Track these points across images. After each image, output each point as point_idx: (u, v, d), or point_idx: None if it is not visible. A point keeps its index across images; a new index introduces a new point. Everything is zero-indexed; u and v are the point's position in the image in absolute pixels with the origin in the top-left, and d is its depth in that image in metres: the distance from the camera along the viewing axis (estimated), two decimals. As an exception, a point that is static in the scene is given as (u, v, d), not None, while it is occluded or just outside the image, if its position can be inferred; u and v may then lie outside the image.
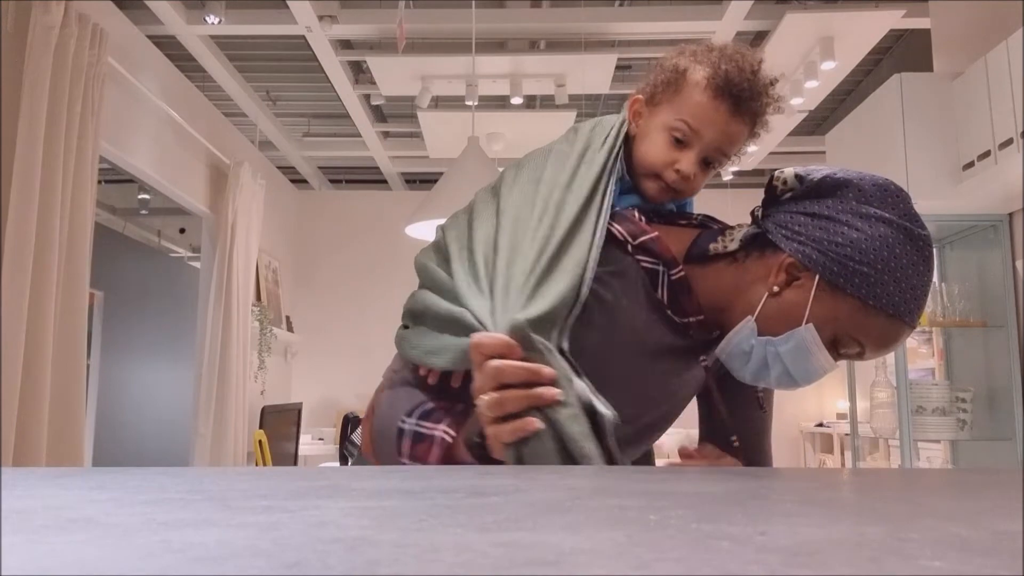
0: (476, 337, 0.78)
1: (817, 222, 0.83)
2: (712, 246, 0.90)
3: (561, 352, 0.79)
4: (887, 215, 0.81)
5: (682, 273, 0.89)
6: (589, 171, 0.92)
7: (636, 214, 0.93)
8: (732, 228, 0.92)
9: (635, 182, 0.97)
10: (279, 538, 0.32)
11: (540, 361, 0.77)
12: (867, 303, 0.81)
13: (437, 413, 0.85)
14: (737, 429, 0.98)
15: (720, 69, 0.92)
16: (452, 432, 0.82)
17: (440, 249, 0.97)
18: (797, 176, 0.86)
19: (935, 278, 3.19)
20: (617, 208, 0.94)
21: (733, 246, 0.89)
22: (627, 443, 0.90)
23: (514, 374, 0.75)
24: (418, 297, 0.94)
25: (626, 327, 0.87)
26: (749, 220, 0.92)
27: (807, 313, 0.83)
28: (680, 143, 0.94)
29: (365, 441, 0.95)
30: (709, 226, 0.97)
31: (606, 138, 0.97)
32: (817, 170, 0.86)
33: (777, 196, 0.88)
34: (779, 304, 0.85)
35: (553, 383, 0.76)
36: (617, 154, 0.96)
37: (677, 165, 0.94)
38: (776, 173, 0.88)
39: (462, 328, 0.82)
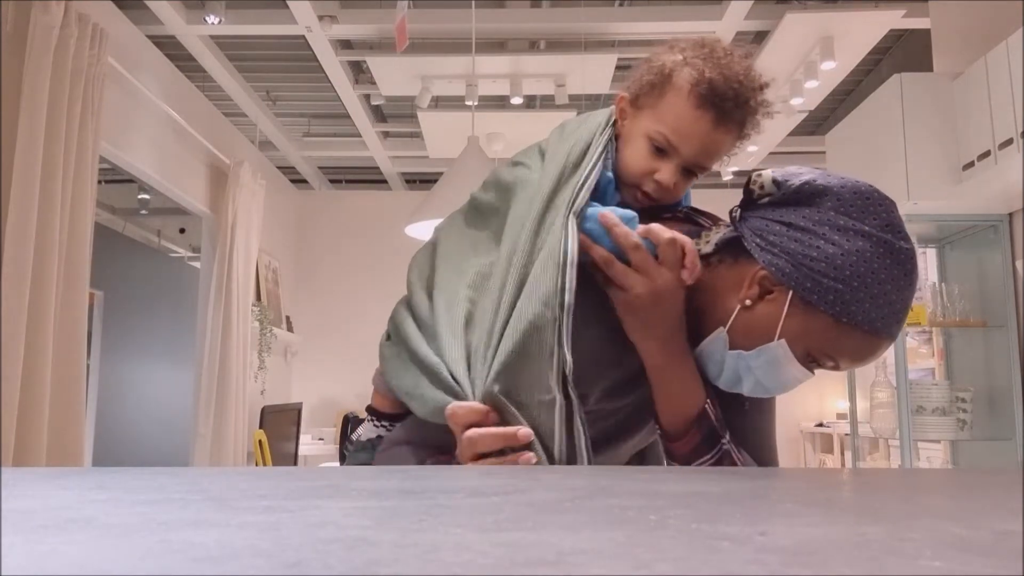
0: (450, 409, 0.81)
1: (792, 233, 0.81)
2: None
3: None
4: (866, 228, 0.78)
5: None
6: (562, 193, 0.88)
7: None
8: (708, 229, 0.90)
9: (618, 185, 0.95)
10: (279, 538, 0.32)
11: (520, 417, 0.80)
12: (840, 320, 0.79)
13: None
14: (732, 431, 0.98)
15: (704, 76, 0.88)
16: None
17: (426, 265, 0.98)
18: (775, 181, 0.83)
19: (935, 278, 3.23)
20: (611, 205, 0.93)
21: (708, 249, 0.87)
22: (609, 438, 0.91)
23: (489, 443, 0.79)
24: (400, 318, 0.95)
25: (599, 325, 0.86)
26: (728, 219, 0.90)
27: (779, 328, 0.81)
28: (660, 152, 0.91)
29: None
30: (695, 220, 0.95)
31: (588, 147, 0.94)
32: (797, 175, 0.83)
33: (755, 199, 0.86)
34: (751, 317, 0.83)
35: (530, 444, 0.79)
36: (596, 164, 0.92)
37: (657, 175, 0.91)
38: (754, 176, 0.85)
39: (438, 381, 0.85)
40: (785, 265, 0.80)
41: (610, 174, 0.94)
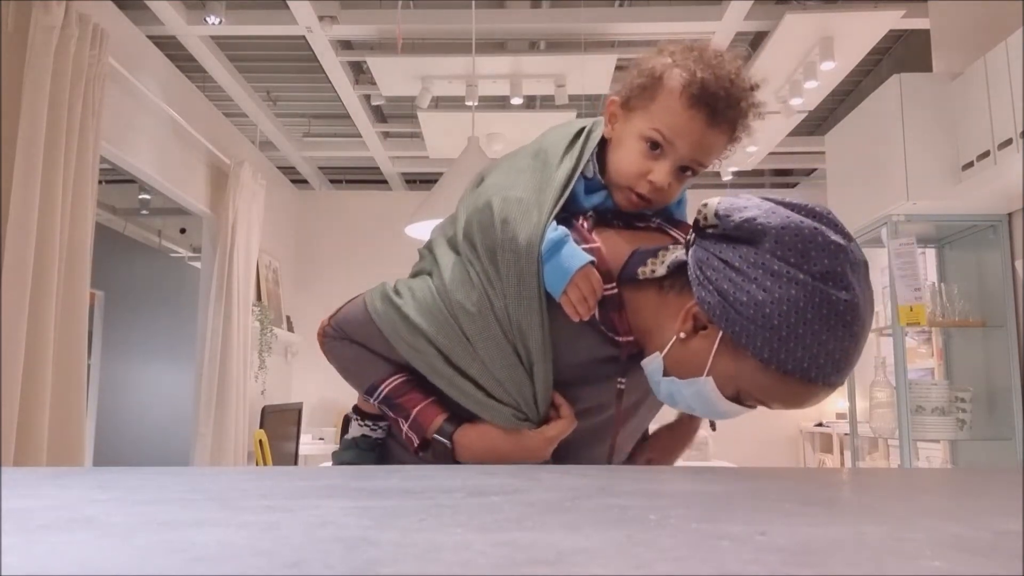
0: (553, 432, 0.91)
1: (728, 272, 0.79)
2: (641, 270, 0.88)
3: None
4: (801, 276, 0.75)
5: (615, 290, 0.88)
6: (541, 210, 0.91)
7: (583, 222, 0.92)
8: (667, 249, 0.89)
9: (608, 189, 0.96)
10: (279, 538, 0.32)
11: None
12: (770, 367, 0.77)
13: (398, 408, 0.95)
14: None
15: (696, 76, 0.88)
16: (414, 439, 0.95)
17: (432, 269, 0.98)
18: (717, 214, 0.81)
19: (934, 278, 3.23)
20: (584, 207, 0.95)
21: (661, 271, 0.87)
22: (569, 445, 0.93)
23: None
24: (445, 340, 0.91)
25: (560, 335, 0.89)
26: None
27: (708, 366, 0.81)
28: (654, 152, 0.91)
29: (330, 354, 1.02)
30: (667, 231, 0.95)
31: (566, 153, 0.96)
32: (739, 210, 0.80)
33: (702, 228, 0.84)
34: (685, 350, 0.84)
35: None
36: (573, 172, 0.94)
37: (651, 176, 0.91)
38: (701, 205, 0.84)
39: (505, 413, 0.91)
40: (717, 305, 0.79)
41: (588, 176, 0.96)
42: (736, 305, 0.77)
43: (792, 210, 0.79)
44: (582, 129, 1.00)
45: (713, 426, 1.02)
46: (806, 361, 0.76)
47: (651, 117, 0.91)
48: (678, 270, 0.86)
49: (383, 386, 0.95)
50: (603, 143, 0.97)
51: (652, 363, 0.87)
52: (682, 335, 0.83)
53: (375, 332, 0.95)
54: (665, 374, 0.86)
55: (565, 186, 0.93)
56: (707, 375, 0.82)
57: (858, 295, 0.76)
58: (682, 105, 0.89)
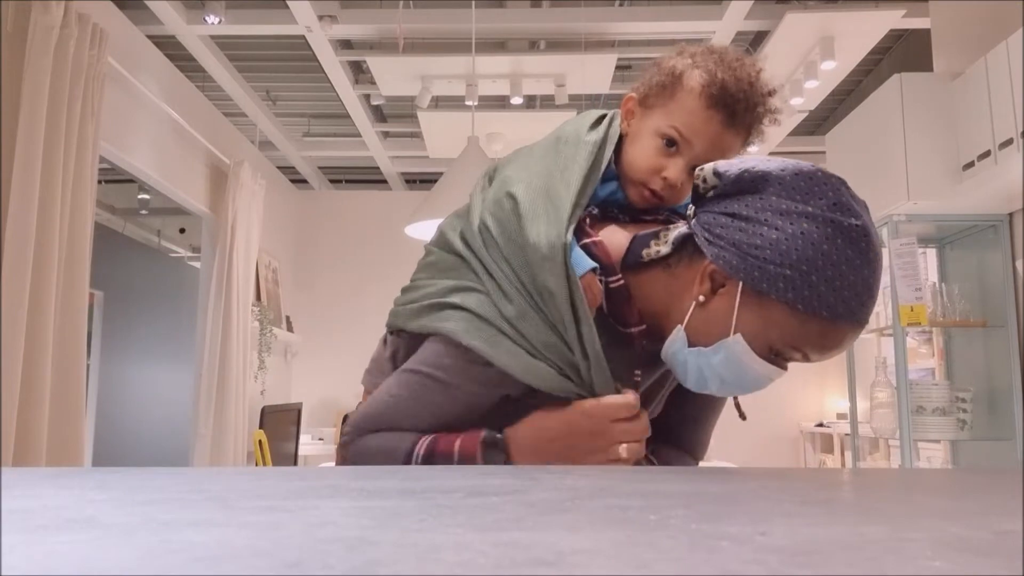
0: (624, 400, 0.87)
1: (737, 223, 0.79)
2: (645, 252, 0.87)
3: None
4: (810, 209, 0.76)
5: (621, 281, 0.87)
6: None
7: (586, 218, 0.91)
8: (668, 229, 0.89)
9: (620, 183, 0.96)
10: (279, 538, 0.32)
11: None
12: (796, 308, 0.76)
13: (440, 455, 0.87)
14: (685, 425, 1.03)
15: (716, 77, 0.89)
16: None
17: (453, 259, 0.95)
18: (716, 172, 0.81)
19: (935, 278, 3.23)
20: (598, 196, 0.95)
21: (665, 249, 0.86)
22: None
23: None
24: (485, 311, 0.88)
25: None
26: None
27: (733, 323, 0.80)
28: (670, 150, 0.91)
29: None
30: (672, 221, 0.94)
31: (586, 141, 0.95)
32: (737, 164, 0.81)
33: (702, 194, 0.84)
34: (707, 313, 0.82)
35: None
36: (597, 160, 0.93)
37: (664, 173, 0.92)
38: (697, 170, 0.84)
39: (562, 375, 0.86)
40: (732, 257, 0.79)
41: (604, 168, 0.95)
42: (752, 251, 0.77)
43: None
44: (603, 116, 0.99)
45: (742, 415, 0.99)
46: (830, 296, 0.75)
47: (669, 115, 0.92)
48: (683, 245, 0.85)
49: (417, 448, 0.88)
50: (619, 138, 0.97)
51: (675, 341, 0.85)
52: (701, 298, 0.82)
53: (403, 386, 0.91)
54: (689, 346, 0.84)
55: (588, 174, 0.92)
56: (734, 332, 0.80)
57: (867, 222, 0.78)
58: (701, 105, 0.90)
